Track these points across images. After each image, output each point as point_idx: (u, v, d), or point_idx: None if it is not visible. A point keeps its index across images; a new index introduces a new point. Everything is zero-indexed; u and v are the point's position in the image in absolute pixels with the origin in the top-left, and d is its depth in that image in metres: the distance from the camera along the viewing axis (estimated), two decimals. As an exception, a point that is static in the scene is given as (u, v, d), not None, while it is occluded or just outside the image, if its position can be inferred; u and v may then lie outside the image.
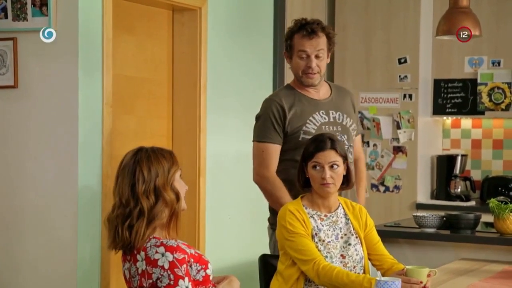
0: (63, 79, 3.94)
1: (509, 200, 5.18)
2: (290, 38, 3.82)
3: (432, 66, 6.22)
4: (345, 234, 3.40)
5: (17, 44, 3.99)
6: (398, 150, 6.09)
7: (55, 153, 3.95)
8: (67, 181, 3.93)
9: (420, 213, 4.55)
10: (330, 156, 3.34)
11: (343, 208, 3.45)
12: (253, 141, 3.86)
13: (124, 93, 4.43)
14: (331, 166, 3.33)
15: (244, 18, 5.28)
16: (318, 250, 3.29)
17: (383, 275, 3.36)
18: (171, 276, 2.69)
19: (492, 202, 4.28)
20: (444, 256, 4.26)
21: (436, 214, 4.51)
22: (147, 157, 2.81)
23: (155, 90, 4.72)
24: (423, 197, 6.16)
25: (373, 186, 6.18)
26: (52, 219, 3.95)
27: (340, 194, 3.55)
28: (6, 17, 3.99)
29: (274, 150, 3.79)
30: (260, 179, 3.79)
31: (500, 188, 6.02)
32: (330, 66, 6.19)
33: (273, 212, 3.76)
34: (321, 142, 3.36)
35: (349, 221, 3.43)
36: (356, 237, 3.41)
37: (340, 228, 3.40)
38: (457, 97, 6.17)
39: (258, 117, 3.86)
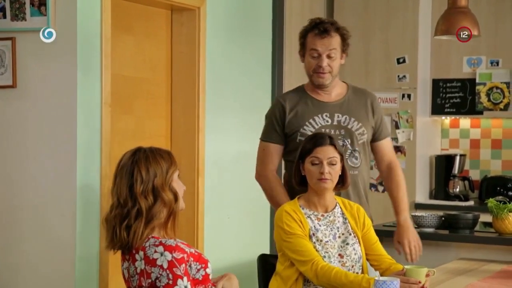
0: (61, 79, 3.93)
1: (508, 200, 5.19)
2: (304, 37, 3.79)
3: (430, 66, 6.22)
4: (343, 234, 3.39)
5: (15, 44, 3.98)
6: (396, 150, 6.08)
7: (54, 153, 3.95)
8: (65, 181, 3.92)
9: (418, 213, 4.56)
10: (329, 151, 3.34)
11: (340, 208, 3.45)
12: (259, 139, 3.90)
13: (122, 93, 4.42)
14: (330, 163, 3.33)
15: (243, 18, 5.28)
16: (316, 250, 3.29)
17: (381, 275, 3.36)
18: (170, 276, 2.69)
19: (491, 202, 4.29)
20: (443, 256, 4.26)
21: (434, 214, 4.51)
22: (145, 158, 2.81)
23: (153, 90, 4.71)
24: (421, 197, 6.16)
25: (372, 186, 6.17)
26: (50, 219, 3.95)
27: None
28: (4, 17, 3.98)
29: (274, 149, 3.80)
30: (258, 177, 3.85)
31: (498, 188, 6.02)
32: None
33: None
34: (321, 138, 3.38)
35: (347, 221, 3.42)
36: (354, 237, 3.40)
37: (338, 227, 3.40)
38: (455, 97, 6.17)
39: (265, 117, 3.91)
